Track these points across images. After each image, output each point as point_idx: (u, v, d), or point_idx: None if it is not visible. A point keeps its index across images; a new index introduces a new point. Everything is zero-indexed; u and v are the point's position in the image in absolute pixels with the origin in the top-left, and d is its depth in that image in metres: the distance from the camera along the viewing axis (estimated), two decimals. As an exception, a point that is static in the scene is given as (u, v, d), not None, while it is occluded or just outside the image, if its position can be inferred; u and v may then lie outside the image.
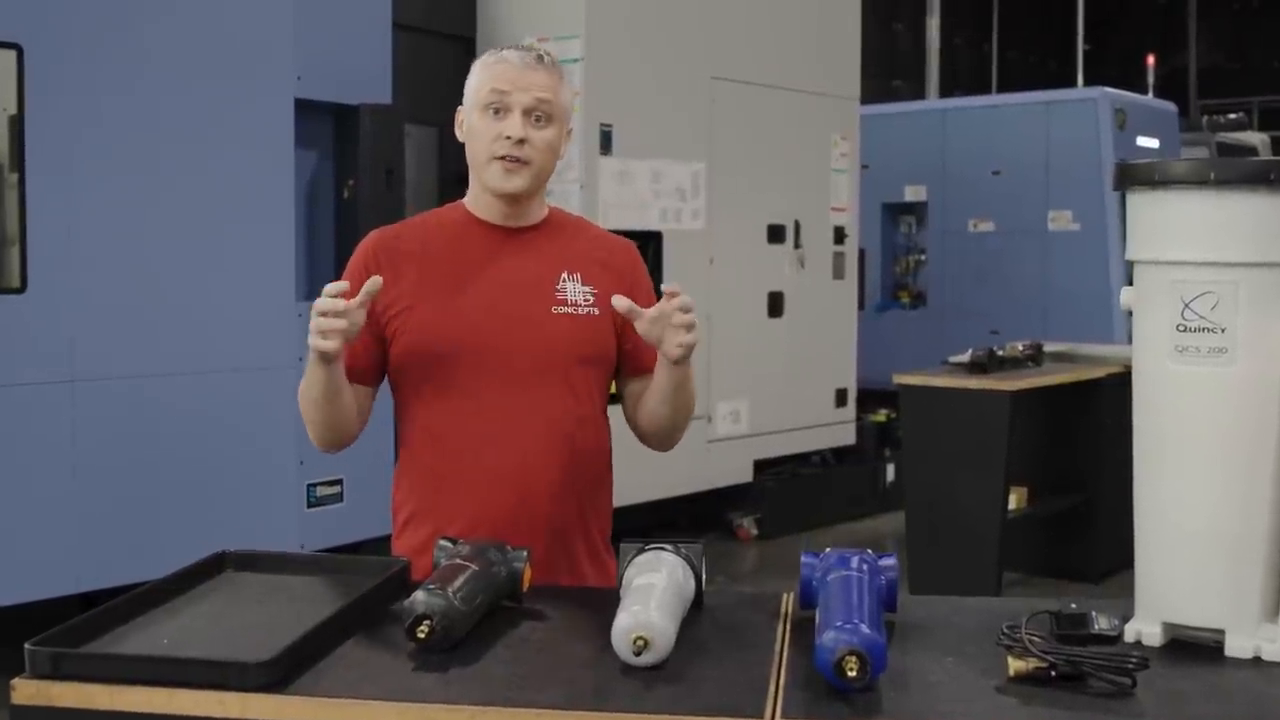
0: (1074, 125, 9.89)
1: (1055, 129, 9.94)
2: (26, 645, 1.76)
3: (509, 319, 2.42)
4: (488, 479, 2.41)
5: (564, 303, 2.45)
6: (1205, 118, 14.75)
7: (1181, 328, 1.85)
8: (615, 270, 2.52)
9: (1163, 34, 20.07)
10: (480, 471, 2.41)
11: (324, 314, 2.23)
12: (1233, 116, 14.48)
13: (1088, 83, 14.26)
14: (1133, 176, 1.91)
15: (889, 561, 2.03)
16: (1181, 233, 1.86)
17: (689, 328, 2.27)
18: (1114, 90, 10.30)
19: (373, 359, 2.47)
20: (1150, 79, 14.21)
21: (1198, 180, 1.83)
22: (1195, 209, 1.84)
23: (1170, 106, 11.21)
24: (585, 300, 2.47)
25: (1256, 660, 1.85)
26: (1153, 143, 10.26)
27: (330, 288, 2.25)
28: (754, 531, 7.86)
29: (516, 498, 2.40)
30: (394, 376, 2.49)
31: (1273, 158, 1.84)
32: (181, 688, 1.72)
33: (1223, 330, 1.83)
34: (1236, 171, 1.82)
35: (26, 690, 1.74)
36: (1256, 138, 14.44)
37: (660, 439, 2.57)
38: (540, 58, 2.43)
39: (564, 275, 2.47)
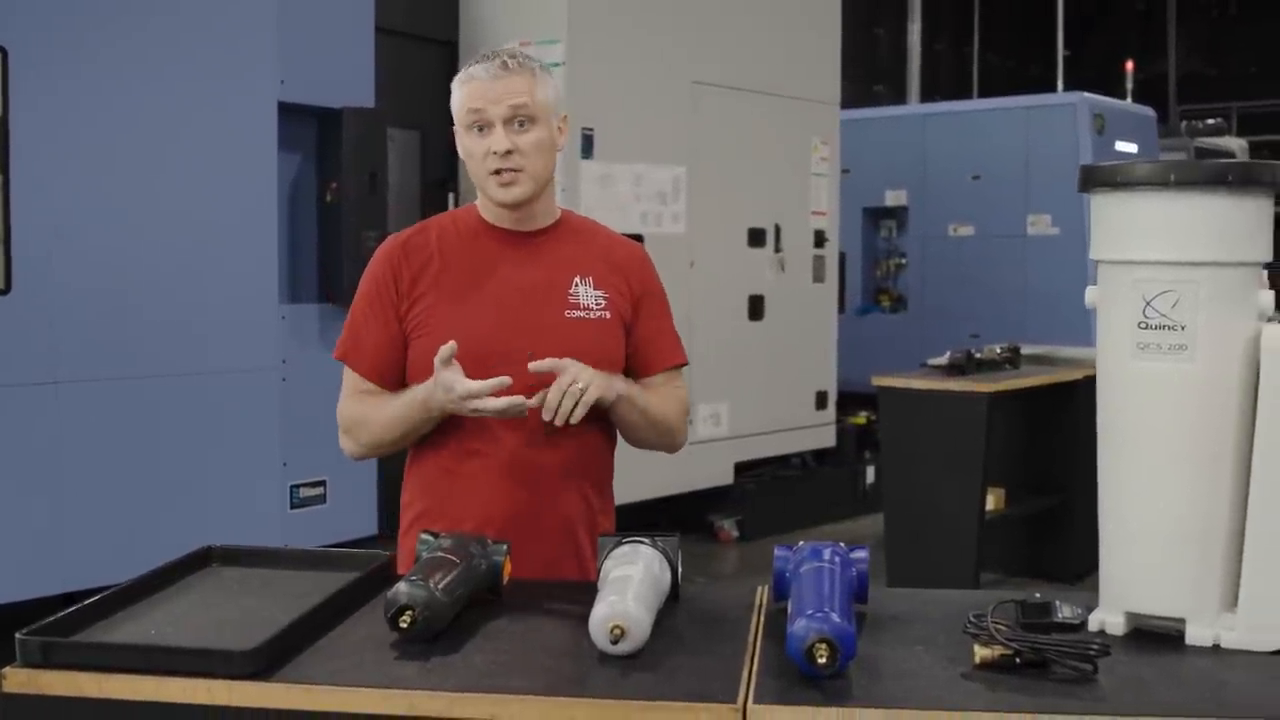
0: (1053, 130, 9.96)
1: (1034, 134, 10.01)
2: (17, 635, 1.80)
3: (523, 323, 2.46)
4: (497, 479, 2.46)
5: (577, 306, 2.50)
6: (1184, 123, 14.86)
7: (1143, 325, 1.91)
8: (625, 273, 2.57)
9: (1142, 40, 20.20)
10: (490, 471, 2.46)
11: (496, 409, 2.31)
12: (1211, 122, 14.59)
13: (1068, 88, 14.35)
14: (1096, 178, 1.96)
15: (860, 554, 2.08)
16: (1143, 233, 1.91)
17: (582, 392, 2.34)
18: (1092, 95, 10.37)
19: (404, 360, 2.52)
20: (1129, 84, 14.30)
21: (1159, 182, 1.89)
22: (1156, 210, 1.89)
23: (1148, 111, 11.29)
24: (597, 304, 2.51)
25: (1216, 648, 1.90)
26: (1131, 147, 10.34)
27: (489, 386, 2.32)
28: (734, 533, 7.90)
29: (526, 497, 2.45)
30: (409, 377, 2.52)
31: (1236, 160, 1.90)
32: (168, 675, 1.76)
33: (1183, 328, 1.88)
34: (1196, 174, 1.88)
35: (17, 679, 1.78)
36: (1235, 143, 14.56)
37: (653, 448, 2.64)
38: (505, 64, 2.45)
39: (576, 279, 2.52)
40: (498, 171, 2.45)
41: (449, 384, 2.34)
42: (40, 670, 1.79)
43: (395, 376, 2.52)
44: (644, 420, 2.52)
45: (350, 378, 2.56)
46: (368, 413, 2.52)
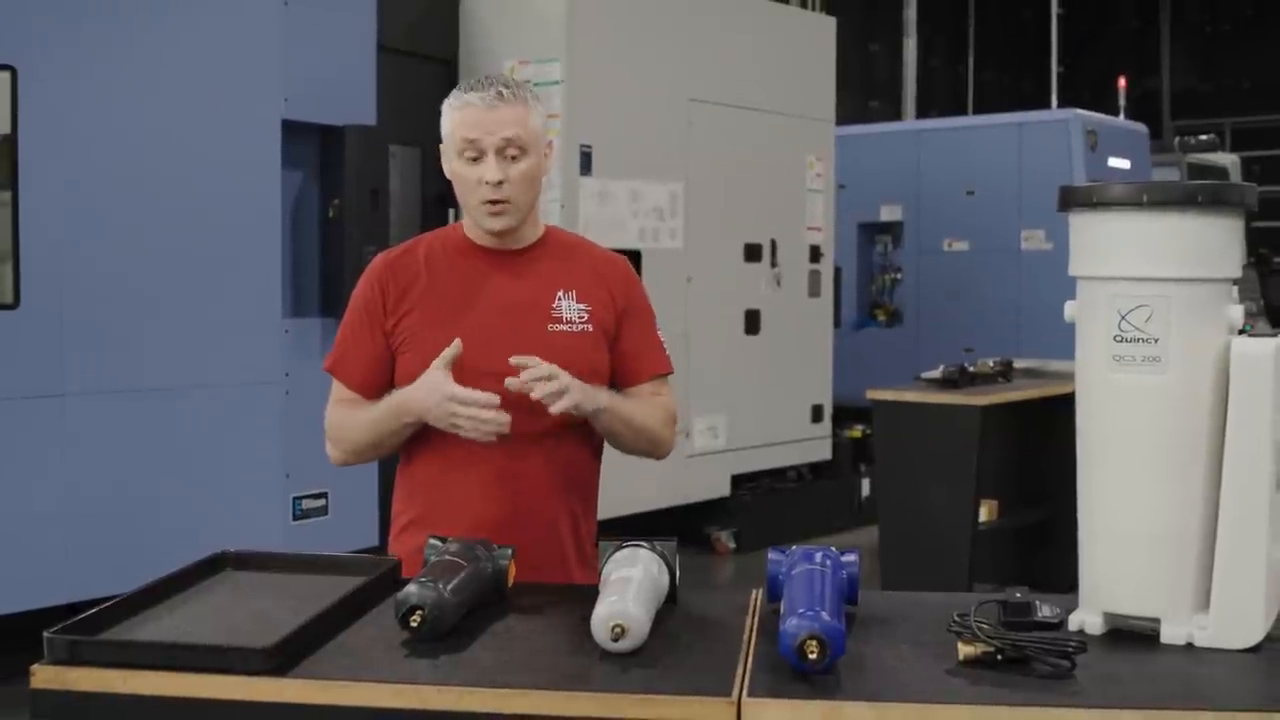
0: (1046, 146, 10.06)
1: (1028, 150, 10.11)
2: (45, 633, 1.89)
3: (506, 338, 2.53)
4: (484, 487, 2.54)
5: (559, 321, 2.58)
6: (1177, 139, 14.96)
7: (1118, 338, 2.00)
8: (609, 286, 2.65)
9: (1137, 56, 20.32)
10: (477, 480, 2.55)
11: (480, 419, 2.42)
12: (1204, 138, 14.69)
13: (1062, 104, 14.46)
14: (1074, 198, 2.06)
15: (851, 557, 2.17)
16: (1118, 250, 2.01)
17: (558, 394, 2.41)
18: (1085, 112, 10.48)
19: (390, 375, 2.61)
20: (1121, 101, 14.40)
21: (1132, 202, 1.99)
22: (1130, 229, 1.99)
23: (1141, 128, 11.40)
24: (579, 318, 2.60)
25: (1189, 646, 1.99)
26: (1124, 163, 10.44)
27: (481, 397, 2.42)
28: (731, 545, 7.99)
29: (512, 504, 2.54)
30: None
31: (1207, 182, 2.00)
32: (190, 672, 1.85)
33: (1156, 341, 1.98)
34: (1168, 194, 1.98)
35: (45, 675, 1.86)
36: (1227, 159, 14.65)
37: (641, 455, 2.72)
38: (500, 94, 2.52)
39: (559, 294, 2.60)
40: (486, 201, 2.53)
41: (437, 382, 2.44)
42: (67, 667, 1.87)
43: (381, 390, 2.61)
44: (629, 430, 2.61)
45: (337, 388, 2.66)
46: (346, 418, 2.62)
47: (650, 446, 2.68)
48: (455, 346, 2.44)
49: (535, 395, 2.41)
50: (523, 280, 2.61)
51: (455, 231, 2.68)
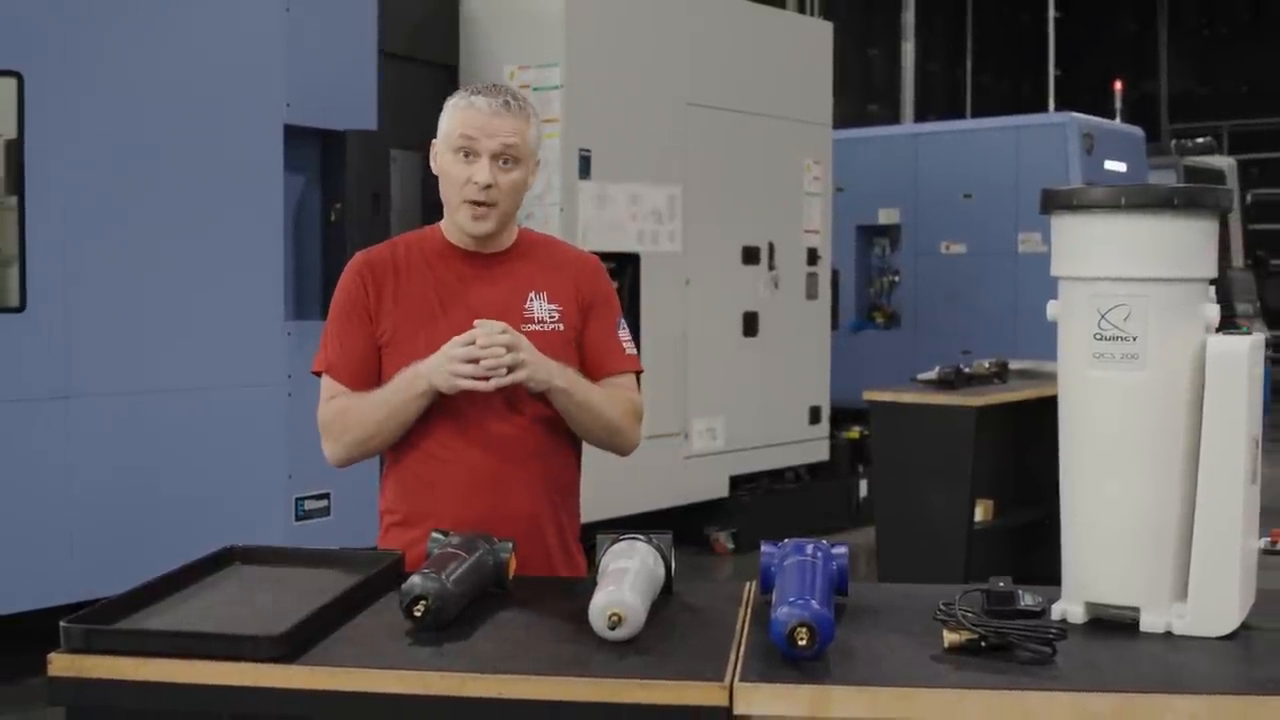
0: (1043, 149, 10.14)
1: (1025, 153, 10.18)
2: (61, 623, 1.95)
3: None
4: (466, 484, 2.60)
5: (531, 320, 2.64)
6: (1174, 142, 15.05)
7: (1098, 336, 2.07)
8: (576, 283, 2.71)
9: (1134, 59, 20.40)
10: (459, 478, 2.61)
11: (472, 359, 2.47)
12: (1200, 141, 14.78)
13: (1060, 108, 14.54)
14: (1056, 201, 2.13)
15: (841, 549, 2.24)
16: (1097, 251, 2.08)
17: (511, 366, 2.48)
18: (1082, 115, 10.55)
19: (379, 371, 2.66)
20: (1118, 104, 14.49)
21: (1111, 205, 2.05)
22: (1109, 230, 2.06)
23: (1137, 131, 11.47)
24: (550, 317, 2.66)
25: (1167, 634, 2.06)
26: (1120, 166, 10.50)
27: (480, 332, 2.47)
28: (730, 545, 8.03)
29: (493, 500, 2.60)
30: None
31: (1182, 185, 2.07)
32: (201, 659, 1.91)
33: (1134, 339, 2.05)
34: (1145, 197, 2.05)
35: (61, 663, 1.93)
36: (1223, 161, 14.73)
37: (600, 444, 2.74)
38: (507, 103, 2.58)
39: (531, 295, 2.67)
40: (472, 203, 2.59)
41: (444, 346, 2.50)
42: (83, 655, 1.93)
43: (373, 387, 2.64)
44: (585, 414, 2.62)
45: (329, 386, 2.68)
46: (350, 404, 2.62)
47: (607, 434, 2.69)
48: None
49: (485, 364, 2.46)
50: (496, 282, 2.67)
51: (434, 233, 2.74)
